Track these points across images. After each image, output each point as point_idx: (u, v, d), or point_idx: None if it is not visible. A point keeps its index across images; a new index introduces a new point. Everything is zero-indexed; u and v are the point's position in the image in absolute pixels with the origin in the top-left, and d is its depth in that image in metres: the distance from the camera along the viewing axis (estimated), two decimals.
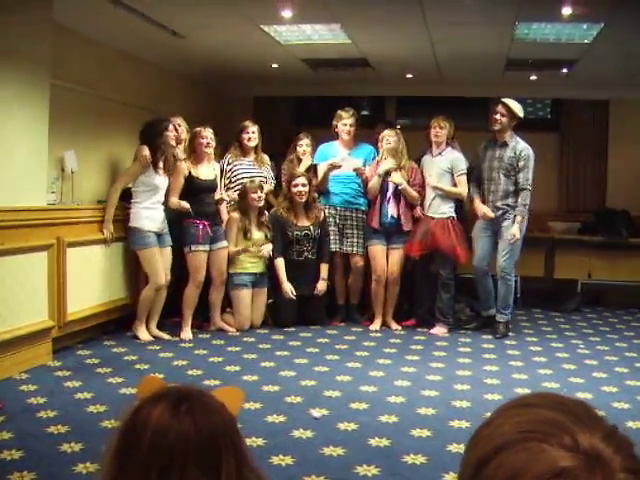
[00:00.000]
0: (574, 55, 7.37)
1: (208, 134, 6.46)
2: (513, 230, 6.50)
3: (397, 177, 6.76)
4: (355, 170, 6.91)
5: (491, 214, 6.65)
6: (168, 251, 6.32)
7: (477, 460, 0.78)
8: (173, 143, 6.31)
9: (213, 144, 6.53)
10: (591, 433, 0.75)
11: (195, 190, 6.38)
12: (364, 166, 7.01)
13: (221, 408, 1.26)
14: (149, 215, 6.12)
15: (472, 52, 7.30)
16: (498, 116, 6.57)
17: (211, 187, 6.53)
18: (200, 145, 6.43)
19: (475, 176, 6.83)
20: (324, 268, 6.96)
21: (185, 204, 6.29)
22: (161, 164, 6.19)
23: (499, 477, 0.74)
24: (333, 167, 6.95)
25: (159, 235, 6.20)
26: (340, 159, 6.98)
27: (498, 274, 6.70)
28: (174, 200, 6.31)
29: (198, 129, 6.49)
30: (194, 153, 6.46)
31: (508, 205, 6.60)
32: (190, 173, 6.36)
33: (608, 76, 8.29)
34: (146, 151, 6.06)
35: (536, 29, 6.50)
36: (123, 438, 1.21)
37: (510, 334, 6.71)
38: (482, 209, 6.70)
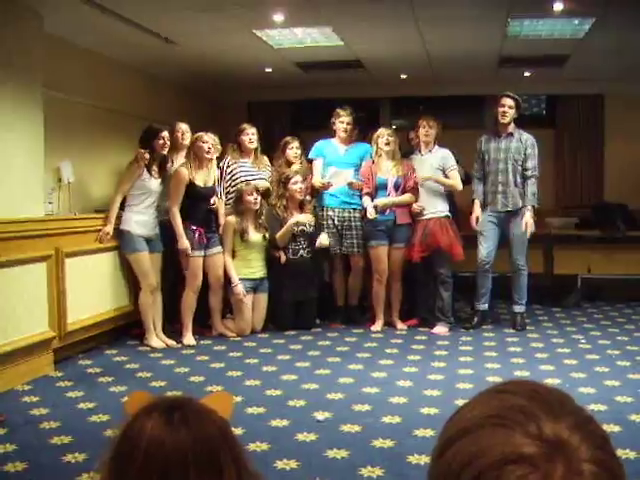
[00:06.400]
0: (567, 51, 7.38)
1: (209, 139, 6.42)
2: (527, 218, 6.59)
3: (382, 201, 6.81)
4: (349, 184, 6.93)
5: (477, 228, 6.80)
6: (158, 257, 6.33)
7: (442, 442, 0.78)
8: (161, 151, 6.25)
9: (215, 150, 6.48)
10: (557, 421, 0.73)
11: (192, 197, 6.35)
12: (360, 163, 7.05)
13: (214, 414, 1.25)
14: (139, 220, 6.13)
15: (465, 50, 7.32)
16: (506, 108, 6.67)
17: (208, 194, 6.50)
18: (200, 150, 6.38)
19: (478, 172, 6.86)
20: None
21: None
22: (155, 168, 6.20)
23: (457, 461, 0.73)
24: (324, 187, 6.99)
25: (149, 241, 6.20)
26: (329, 176, 7.04)
27: (513, 267, 6.79)
28: (175, 210, 6.28)
29: (199, 134, 6.45)
30: (195, 158, 6.42)
31: (519, 197, 6.72)
32: (189, 179, 6.33)
33: (602, 71, 8.30)
34: (145, 153, 6.08)
35: (528, 25, 6.52)
36: (117, 453, 1.20)
37: (511, 331, 6.72)
38: (475, 215, 6.79)
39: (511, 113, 6.68)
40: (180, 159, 6.59)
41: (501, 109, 6.70)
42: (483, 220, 6.83)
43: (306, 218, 6.85)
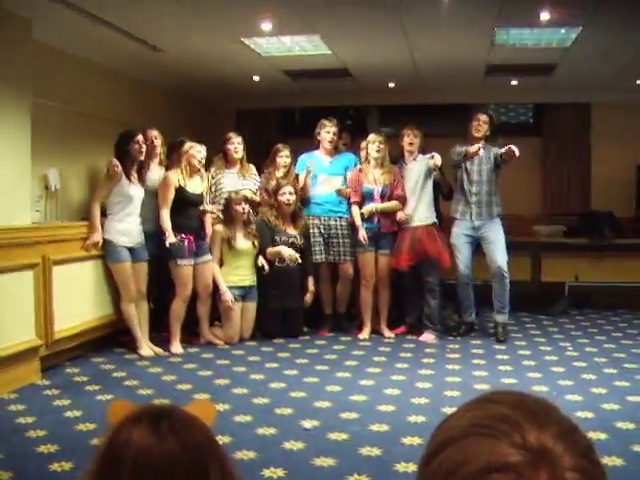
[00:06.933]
0: (554, 59, 7.41)
1: (202, 151, 6.47)
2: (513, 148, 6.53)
3: (368, 209, 6.83)
4: (337, 191, 6.94)
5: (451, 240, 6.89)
6: (143, 265, 6.29)
7: (429, 451, 0.79)
8: (137, 156, 6.20)
9: (204, 162, 6.55)
10: (542, 430, 0.74)
11: (182, 203, 6.35)
12: (345, 171, 7.06)
13: (199, 422, 1.25)
14: (121, 229, 6.08)
15: (452, 59, 7.35)
16: (481, 123, 6.84)
17: (198, 201, 6.51)
18: (192, 159, 6.41)
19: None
20: (310, 280, 6.97)
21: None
22: (134, 173, 6.17)
23: (442, 470, 0.74)
24: (308, 173, 7.00)
25: (133, 250, 6.17)
26: (319, 183, 7.08)
27: (496, 275, 6.77)
28: (163, 212, 6.28)
29: (192, 144, 6.46)
30: (187, 166, 6.42)
31: (492, 206, 6.80)
32: (179, 185, 6.34)
33: (588, 79, 8.34)
34: (114, 161, 6.03)
35: (515, 34, 6.55)
36: (104, 462, 1.18)
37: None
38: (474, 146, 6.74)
39: (484, 128, 6.85)
40: (153, 166, 6.60)
41: (475, 123, 6.87)
42: (456, 234, 6.90)
43: (289, 256, 6.78)
